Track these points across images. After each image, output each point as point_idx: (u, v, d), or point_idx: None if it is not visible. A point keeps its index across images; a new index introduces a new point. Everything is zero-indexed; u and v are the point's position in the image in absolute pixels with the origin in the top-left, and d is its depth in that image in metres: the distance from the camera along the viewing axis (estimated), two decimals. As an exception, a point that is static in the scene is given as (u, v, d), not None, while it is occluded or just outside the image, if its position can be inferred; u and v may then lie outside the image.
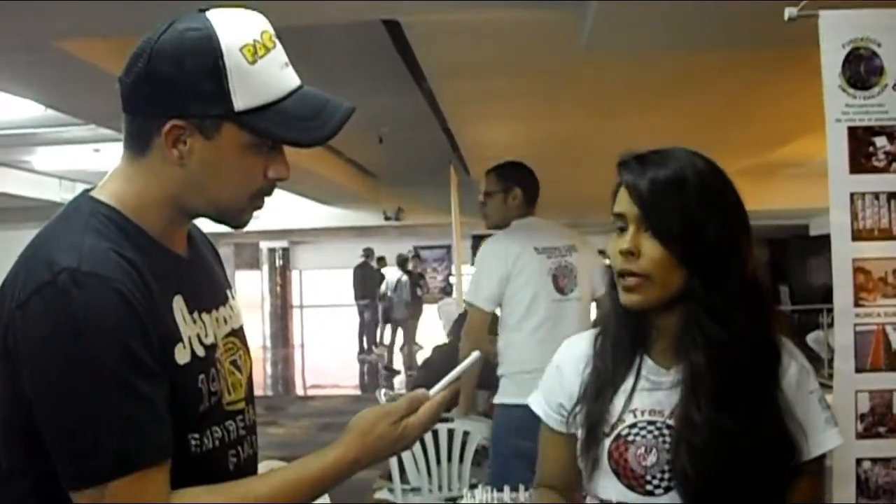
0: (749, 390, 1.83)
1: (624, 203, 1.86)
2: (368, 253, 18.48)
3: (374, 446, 1.62)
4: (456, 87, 5.85)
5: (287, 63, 1.59)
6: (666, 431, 1.87)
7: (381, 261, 18.75)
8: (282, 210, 13.53)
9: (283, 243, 22.32)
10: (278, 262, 22.70)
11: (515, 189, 4.53)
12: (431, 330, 16.30)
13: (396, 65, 5.68)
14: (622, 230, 1.86)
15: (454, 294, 10.34)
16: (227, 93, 1.51)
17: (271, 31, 1.57)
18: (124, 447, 1.43)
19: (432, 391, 1.69)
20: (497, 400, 4.39)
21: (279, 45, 1.58)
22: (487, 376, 5.37)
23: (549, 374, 2.09)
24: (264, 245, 22.18)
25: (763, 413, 1.82)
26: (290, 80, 1.59)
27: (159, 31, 1.53)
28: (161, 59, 1.51)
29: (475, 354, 1.80)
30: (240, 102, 1.52)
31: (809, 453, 1.85)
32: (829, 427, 1.88)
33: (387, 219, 15.68)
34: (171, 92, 1.52)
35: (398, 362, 17.00)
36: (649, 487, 1.88)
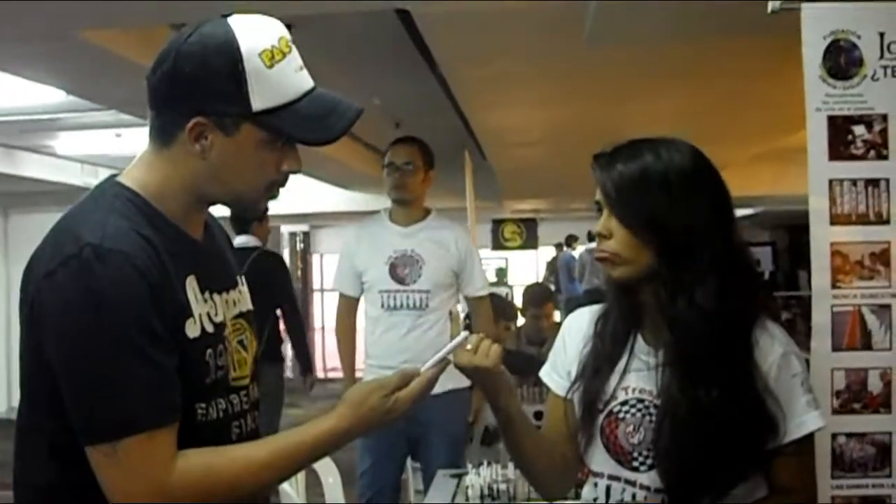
0: (721, 365, 1.92)
1: (598, 192, 2.02)
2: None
3: (366, 417, 1.75)
4: (468, 73, 5.88)
5: (302, 67, 1.74)
6: (653, 410, 1.98)
7: None
8: (302, 194, 13.58)
9: (304, 227, 22.29)
10: (299, 246, 22.70)
11: (432, 172, 4.49)
12: (452, 313, 16.28)
13: (411, 52, 5.74)
14: (600, 215, 2.01)
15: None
16: (247, 94, 1.66)
17: (288, 36, 1.73)
18: (136, 408, 1.57)
19: (423, 368, 1.81)
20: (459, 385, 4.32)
21: (295, 50, 1.73)
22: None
23: (556, 346, 2.25)
24: (285, 229, 22.17)
25: (737, 387, 1.91)
26: (304, 82, 1.73)
27: (185, 35, 1.68)
28: (186, 61, 1.66)
29: (463, 334, 1.92)
30: (257, 103, 1.67)
31: (791, 435, 1.93)
32: (809, 409, 1.96)
33: (406, 203, 15.62)
34: (195, 92, 1.67)
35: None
36: (635, 464, 2.00)
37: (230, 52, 1.64)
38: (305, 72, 1.74)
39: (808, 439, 1.97)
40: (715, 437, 1.88)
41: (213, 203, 1.81)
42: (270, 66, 1.66)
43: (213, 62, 1.65)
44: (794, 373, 1.97)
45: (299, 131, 1.71)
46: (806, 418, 1.95)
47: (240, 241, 6.24)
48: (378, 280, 4.51)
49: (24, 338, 1.66)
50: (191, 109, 1.67)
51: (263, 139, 1.70)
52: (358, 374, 4.80)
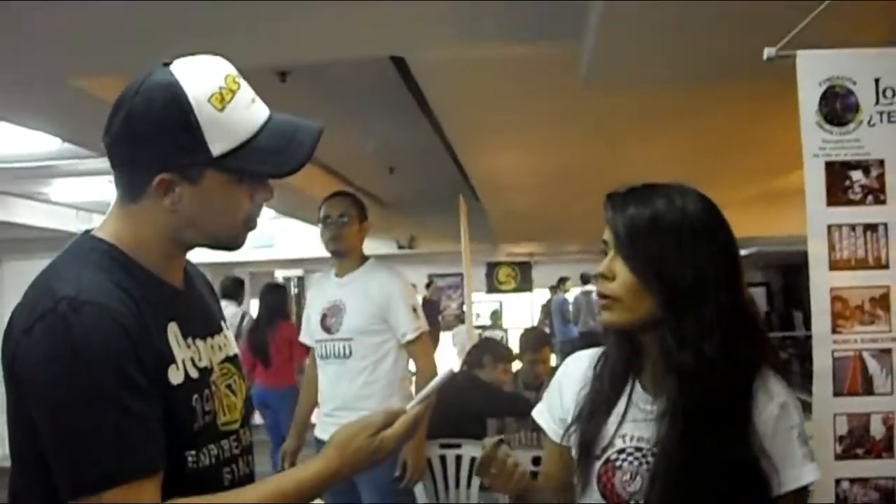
0: (719, 421, 1.89)
1: (607, 232, 1.99)
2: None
3: (353, 458, 1.73)
4: (462, 118, 5.92)
5: (253, 99, 1.73)
6: (650, 459, 1.96)
7: None
8: (296, 239, 13.58)
9: (298, 272, 22.28)
10: (293, 291, 22.67)
11: (366, 223, 4.60)
12: (446, 358, 16.29)
13: (405, 97, 5.77)
14: (605, 254, 1.99)
15: (467, 322, 10.33)
16: (204, 143, 1.65)
17: (234, 72, 1.71)
18: (117, 460, 1.55)
19: (409, 406, 1.81)
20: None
21: (244, 84, 1.71)
22: (497, 404, 5.43)
23: (551, 388, 2.22)
24: (279, 274, 22.16)
25: (733, 445, 1.88)
26: (259, 115, 1.72)
27: (130, 93, 1.67)
28: (138, 121, 1.65)
29: (449, 370, 1.92)
30: (216, 149, 1.66)
31: (787, 486, 1.91)
32: (806, 462, 1.94)
33: (400, 247, 15.68)
34: (154, 150, 1.66)
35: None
36: None
37: (180, 105, 1.63)
38: (259, 102, 1.74)
39: (804, 490, 1.95)
40: (706, 491, 1.86)
41: (192, 247, 1.81)
42: (222, 109, 1.65)
43: (164, 118, 1.64)
44: (792, 424, 1.95)
45: (262, 167, 1.70)
46: (803, 471, 1.93)
47: None
48: (314, 330, 4.65)
49: (8, 397, 1.64)
50: (153, 167, 1.66)
51: (230, 179, 1.70)
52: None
